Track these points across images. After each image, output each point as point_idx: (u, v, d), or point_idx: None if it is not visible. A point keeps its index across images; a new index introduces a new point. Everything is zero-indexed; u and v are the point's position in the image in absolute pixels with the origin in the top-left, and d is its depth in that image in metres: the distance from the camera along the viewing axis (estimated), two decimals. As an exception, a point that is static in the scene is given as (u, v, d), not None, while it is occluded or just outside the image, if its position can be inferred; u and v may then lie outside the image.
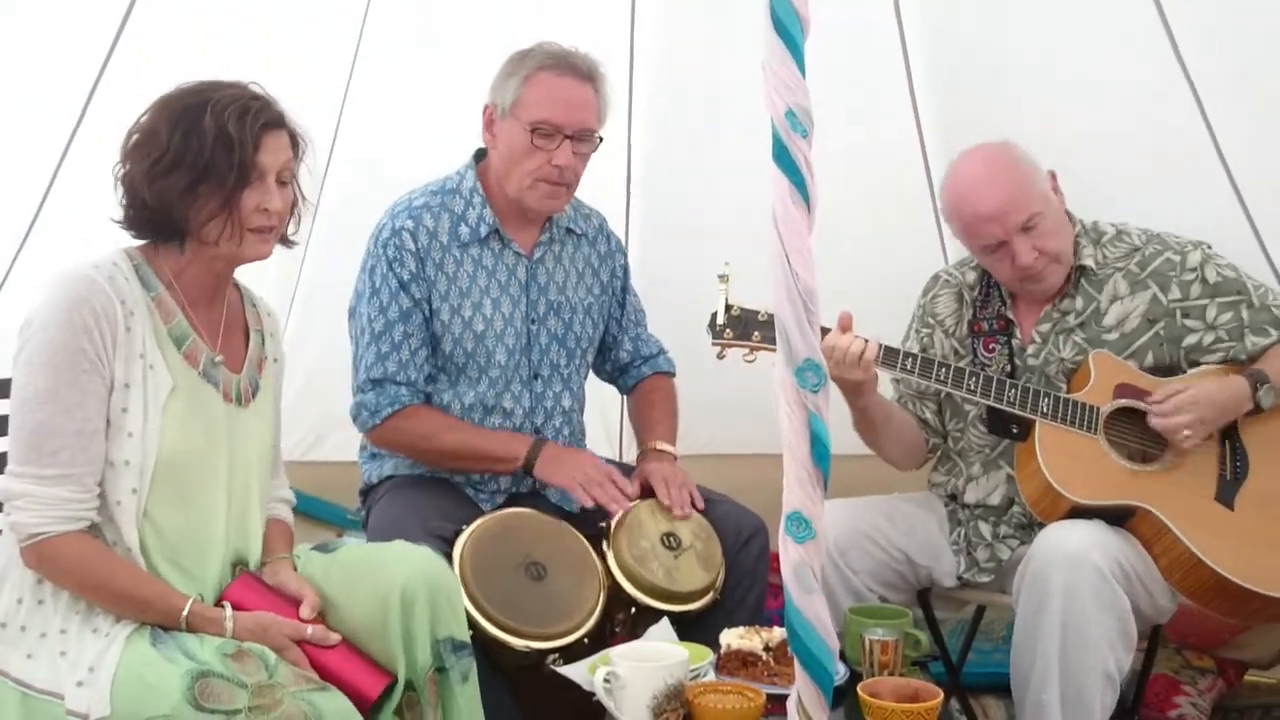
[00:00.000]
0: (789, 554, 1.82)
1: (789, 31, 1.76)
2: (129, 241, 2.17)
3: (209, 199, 2.06)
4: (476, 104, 2.86)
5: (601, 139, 2.81)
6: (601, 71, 2.79)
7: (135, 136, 2.10)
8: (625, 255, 3.12)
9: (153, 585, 2.07)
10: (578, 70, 2.74)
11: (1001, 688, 3.18)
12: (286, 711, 1.91)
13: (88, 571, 2.03)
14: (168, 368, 2.10)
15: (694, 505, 2.79)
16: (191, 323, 2.16)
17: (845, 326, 2.71)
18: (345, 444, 3.53)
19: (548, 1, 3.47)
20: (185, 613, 2.05)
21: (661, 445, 2.94)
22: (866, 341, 2.70)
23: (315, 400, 3.83)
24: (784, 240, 1.77)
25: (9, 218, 3.06)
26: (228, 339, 2.23)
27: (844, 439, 2.78)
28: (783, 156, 1.77)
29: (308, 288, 3.80)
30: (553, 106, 2.72)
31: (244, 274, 2.36)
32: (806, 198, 1.78)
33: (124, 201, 2.11)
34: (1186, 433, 2.67)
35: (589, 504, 2.72)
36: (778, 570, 2.70)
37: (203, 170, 2.04)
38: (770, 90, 1.76)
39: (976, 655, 3.48)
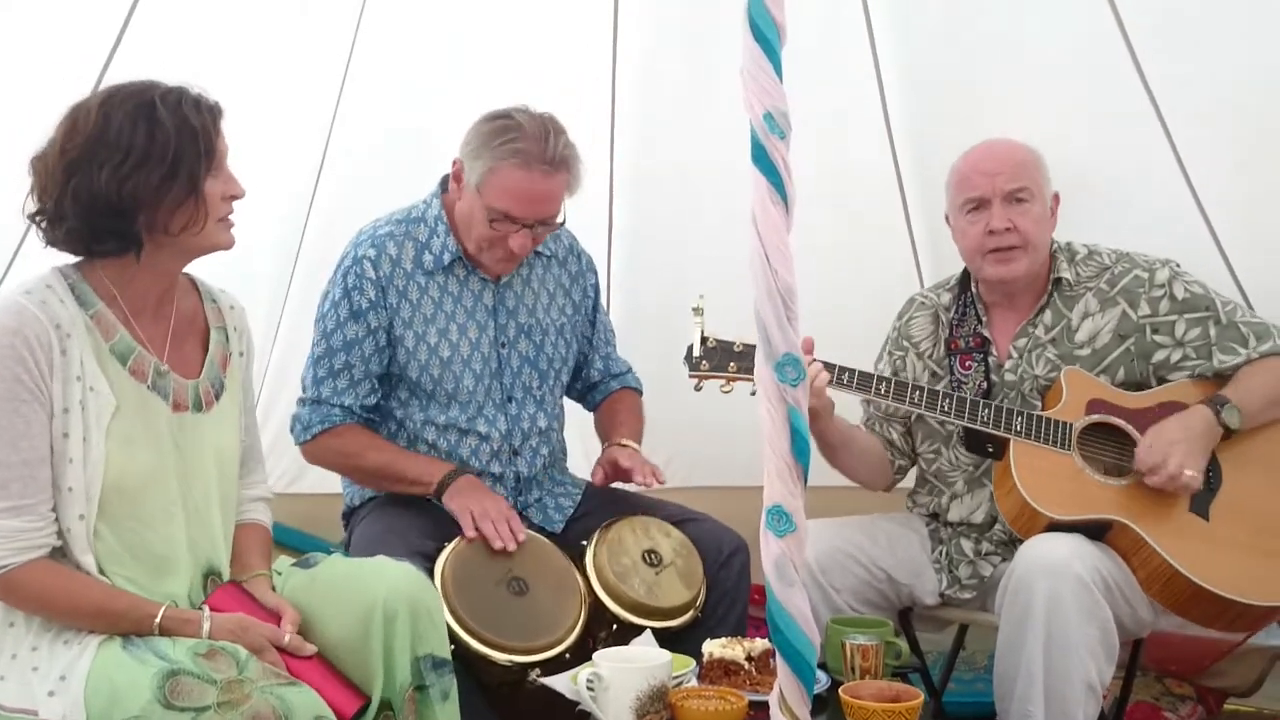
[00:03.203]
0: (770, 548, 1.82)
1: (766, 37, 1.80)
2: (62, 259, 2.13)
3: (178, 190, 2.05)
4: (459, 143, 2.89)
5: (563, 222, 2.82)
6: (572, 156, 2.75)
7: (75, 148, 2.03)
8: (596, 274, 3.14)
9: (123, 597, 2.06)
10: (545, 164, 2.69)
11: (983, 717, 3.19)
12: (255, 706, 1.89)
13: (55, 597, 2.03)
14: (110, 387, 2.07)
15: (657, 479, 2.83)
16: (135, 335, 2.12)
17: (806, 350, 2.73)
18: (327, 476, 3.53)
19: (532, 38, 3.52)
20: (158, 619, 2.04)
21: (626, 441, 2.96)
22: (824, 366, 2.74)
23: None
24: (763, 239, 1.80)
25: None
26: (178, 346, 2.19)
27: (824, 469, 2.81)
28: (761, 158, 1.80)
29: (291, 323, 3.82)
30: (513, 202, 2.70)
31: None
32: (785, 198, 1.81)
33: (75, 217, 2.04)
34: (1188, 473, 2.67)
35: (471, 534, 2.66)
36: (758, 602, 2.73)
37: (173, 162, 2.04)
38: (749, 95, 1.80)
39: (958, 685, 3.49)
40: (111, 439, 2.06)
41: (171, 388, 2.16)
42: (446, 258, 2.84)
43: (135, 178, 2.02)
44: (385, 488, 2.88)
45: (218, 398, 2.24)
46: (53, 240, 2.09)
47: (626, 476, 2.87)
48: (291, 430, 2.90)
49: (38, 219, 2.09)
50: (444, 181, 2.91)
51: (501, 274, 2.90)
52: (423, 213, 2.88)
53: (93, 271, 2.12)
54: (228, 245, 2.17)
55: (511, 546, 2.65)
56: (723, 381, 2.81)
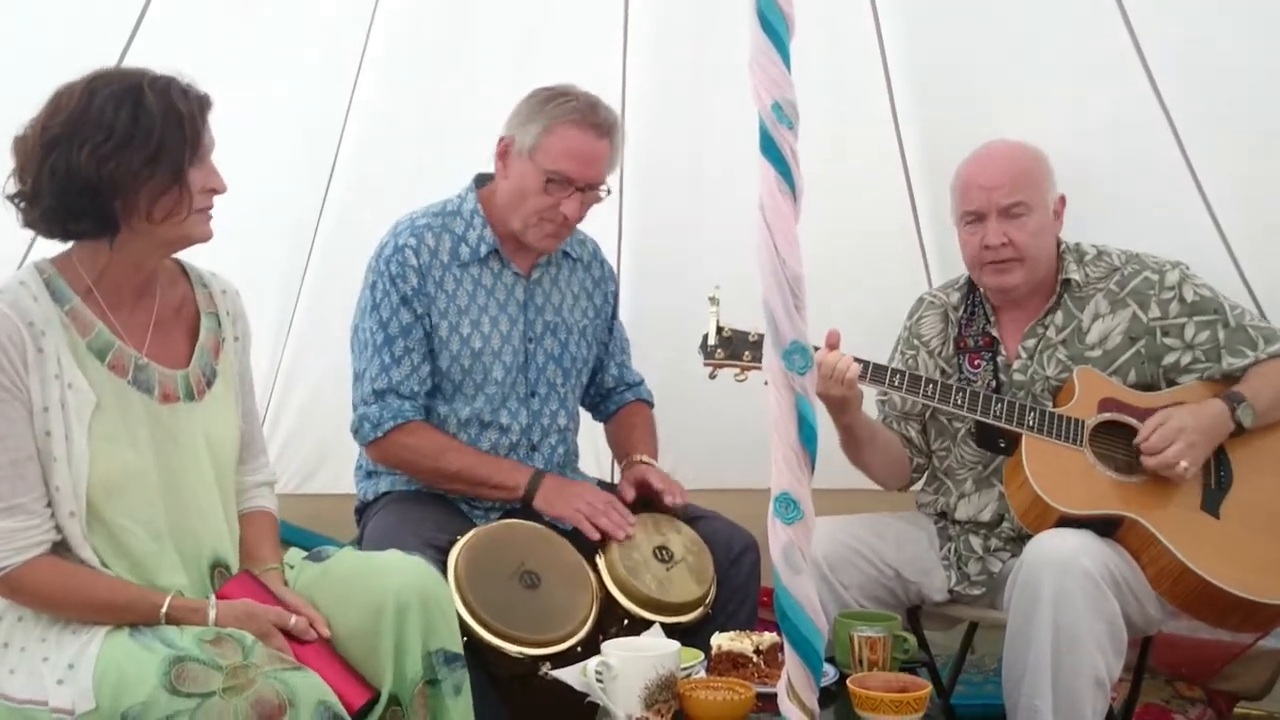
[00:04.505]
0: (778, 536, 1.83)
1: (774, 28, 1.82)
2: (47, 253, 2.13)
3: (161, 176, 2.03)
4: (475, 132, 2.92)
5: (609, 191, 2.88)
6: (617, 126, 2.86)
7: (56, 126, 2.01)
8: (616, 284, 3.19)
9: (129, 589, 2.07)
10: (599, 126, 2.79)
11: (992, 719, 3.19)
12: (259, 690, 1.91)
13: (61, 592, 2.04)
14: (90, 384, 2.06)
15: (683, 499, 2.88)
16: (114, 329, 2.11)
17: (833, 344, 2.76)
18: (338, 476, 3.55)
19: (545, 38, 3.56)
20: (164, 608, 2.05)
21: (646, 458, 3.00)
22: (854, 360, 2.75)
23: (311, 428, 3.86)
24: (771, 228, 1.81)
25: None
26: (161, 335, 2.18)
27: (832, 472, 2.82)
28: (769, 148, 1.81)
29: (304, 317, 3.84)
30: (570, 160, 2.78)
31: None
32: (792, 186, 1.82)
33: (51, 195, 2.01)
34: (1184, 464, 2.69)
35: (594, 535, 2.75)
36: (766, 604, 2.73)
37: (156, 147, 2.02)
38: (757, 85, 1.81)
39: (967, 687, 3.49)
40: (93, 436, 2.06)
41: (156, 380, 2.15)
42: (483, 250, 2.89)
43: (116, 159, 2.00)
44: (460, 491, 2.88)
45: (210, 385, 2.23)
46: (30, 221, 2.08)
47: (656, 496, 2.89)
48: (358, 430, 2.87)
49: (16, 200, 2.07)
50: (478, 178, 2.96)
51: (546, 252, 2.93)
52: (458, 206, 2.93)
53: (69, 265, 2.11)
54: (205, 238, 2.15)
55: (631, 533, 2.75)
56: (737, 370, 2.83)
